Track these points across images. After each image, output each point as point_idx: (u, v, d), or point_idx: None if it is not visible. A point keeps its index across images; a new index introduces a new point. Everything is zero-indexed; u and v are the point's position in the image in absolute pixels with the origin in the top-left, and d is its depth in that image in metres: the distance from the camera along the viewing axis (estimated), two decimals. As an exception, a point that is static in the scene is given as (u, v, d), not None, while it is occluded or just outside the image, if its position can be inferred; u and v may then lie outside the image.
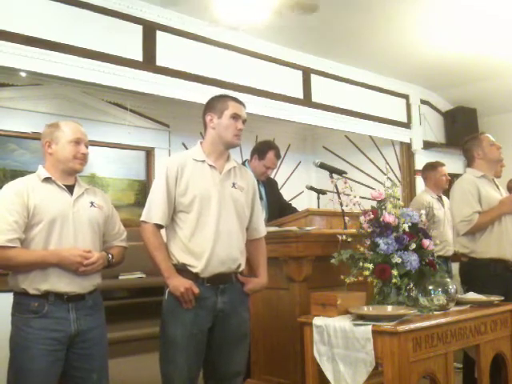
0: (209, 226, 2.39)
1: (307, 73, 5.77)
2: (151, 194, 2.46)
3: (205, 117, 2.54)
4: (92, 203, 2.39)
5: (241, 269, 2.50)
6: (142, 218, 2.43)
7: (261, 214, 2.70)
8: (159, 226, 2.42)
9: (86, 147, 2.41)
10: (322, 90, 5.86)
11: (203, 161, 2.48)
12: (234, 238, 2.45)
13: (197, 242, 2.38)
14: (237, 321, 2.46)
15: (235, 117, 2.48)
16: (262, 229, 2.69)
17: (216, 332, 2.42)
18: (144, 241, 2.41)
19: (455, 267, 4.02)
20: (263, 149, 4.03)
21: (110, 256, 2.39)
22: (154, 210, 2.40)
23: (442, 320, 2.50)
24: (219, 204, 2.42)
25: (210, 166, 2.48)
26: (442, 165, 4.74)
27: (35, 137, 5.31)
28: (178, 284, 2.32)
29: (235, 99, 2.55)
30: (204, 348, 2.40)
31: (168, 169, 2.43)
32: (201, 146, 2.55)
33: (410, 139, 6.85)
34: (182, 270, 2.38)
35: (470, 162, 3.57)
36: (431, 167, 4.75)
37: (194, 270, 2.37)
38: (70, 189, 2.35)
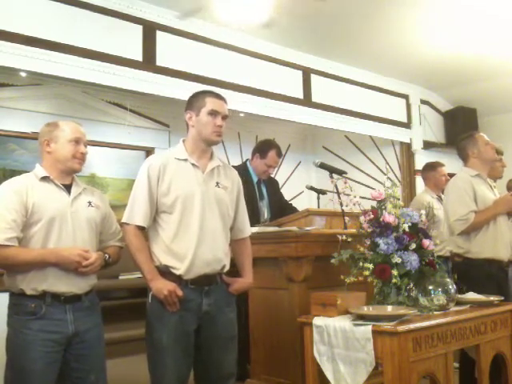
0: (192, 226, 2.34)
1: (307, 73, 5.78)
2: (133, 195, 2.41)
3: (185, 115, 2.48)
4: (90, 203, 2.38)
5: (225, 270, 2.46)
6: (124, 220, 2.38)
7: (246, 214, 2.64)
8: (141, 228, 2.37)
9: (85, 147, 2.40)
10: (322, 90, 5.86)
11: (185, 159, 2.42)
12: (218, 239, 2.40)
13: (180, 243, 2.33)
14: (223, 322, 2.42)
15: (213, 113, 2.42)
16: (247, 229, 2.64)
17: (203, 334, 2.38)
18: (126, 243, 2.38)
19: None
20: (264, 148, 4.04)
21: (106, 256, 2.37)
22: (135, 212, 2.36)
23: (442, 320, 2.50)
24: (202, 204, 2.37)
25: (193, 164, 2.42)
26: (442, 165, 4.74)
27: (35, 137, 5.22)
28: (161, 287, 2.28)
29: (214, 95, 2.48)
30: (192, 350, 2.36)
31: (150, 169, 2.38)
32: (183, 144, 2.49)
33: (410, 139, 6.86)
34: (165, 271, 2.33)
35: (464, 161, 3.57)
36: (431, 167, 4.75)
37: (177, 272, 2.32)
38: (68, 188, 2.34)
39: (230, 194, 2.52)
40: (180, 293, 2.29)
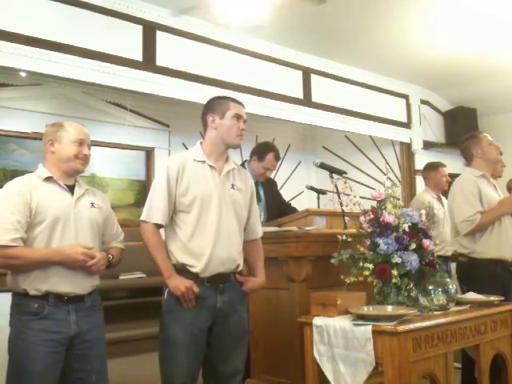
0: (209, 226, 2.40)
1: (307, 73, 5.78)
2: (151, 193, 2.47)
3: (206, 118, 2.55)
4: (92, 204, 2.38)
5: (239, 269, 2.51)
6: (142, 218, 2.43)
7: (258, 215, 2.71)
8: (159, 226, 2.42)
9: (89, 148, 2.40)
10: (322, 90, 5.86)
11: (203, 161, 2.49)
12: (233, 239, 2.46)
13: (197, 242, 2.39)
14: (236, 320, 2.47)
15: (237, 117, 2.51)
16: (259, 230, 2.70)
17: (215, 331, 2.43)
18: (144, 240, 2.42)
19: (454, 267, 4.01)
20: (263, 150, 4.02)
21: (110, 256, 2.38)
22: (154, 210, 2.41)
23: (442, 320, 2.50)
24: (219, 205, 2.43)
25: (211, 166, 2.49)
26: (443, 165, 4.74)
27: (35, 137, 5.32)
28: (179, 283, 2.32)
29: (235, 100, 2.58)
30: (204, 347, 2.41)
31: (169, 169, 2.43)
32: (201, 146, 2.55)
33: (410, 139, 6.86)
34: (182, 270, 2.39)
35: (468, 161, 3.57)
36: (432, 167, 4.75)
37: (194, 270, 2.37)
38: (71, 189, 2.34)
39: (244, 196, 2.58)
40: (196, 289, 2.33)
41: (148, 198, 2.47)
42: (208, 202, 2.41)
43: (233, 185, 2.52)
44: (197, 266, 2.37)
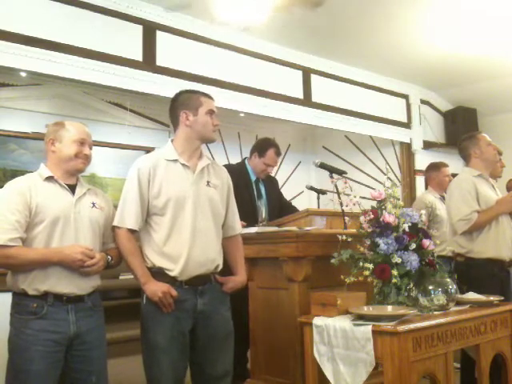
0: (184, 228, 2.35)
1: (307, 73, 5.77)
2: (123, 197, 2.39)
3: (178, 114, 2.47)
4: (93, 204, 2.38)
5: (219, 269, 2.47)
6: (115, 223, 2.37)
7: (236, 211, 2.65)
8: (133, 231, 2.37)
9: (90, 148, 2.40)
10: (322, 89, 5.86)
11: (176, 160, 2.42)
12: (210, 239, 2.42)
13: (173, 245, 2.34)
14: (219, 321, 2.43)
15: (210, 113, 2.46)
16: (238, 226, 2.66)
17: (199, 334, 2.39)
18: (118, 246, 2.38)
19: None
20: (263, 146, 4.02)
21: (109, 258, 2.37)
22: (127, 215, 2.35)
23: (442, 320, 2.50)
24: (194, 205, 2.37)
25: (183, 165, 2.42)
26: (446, 166, 4.74)
27: (35, 137, 5.31)
28: (156, 289, 2.29)
29: (206, 94, 2.52)
30: (188, 350, 2.37)
31: (140, 171, 2.36)
32: (172, 144, 2.48)
33: (410, 139, 6.86)
34: (159, 273, 2.34)
35: (466, 161, 3.58)
36: (435, 167, 4.75)
37: (172, 274, 2.33)
38: (72, 188, 2.34)
39: (221, 192, 2.53)
40: (174, 293, 2.30)
41: (120, 203, 2.39)
42: (182, 203, 2.35)
43: (208, 182, 2.47)
44: (174, 270, 2.33)
